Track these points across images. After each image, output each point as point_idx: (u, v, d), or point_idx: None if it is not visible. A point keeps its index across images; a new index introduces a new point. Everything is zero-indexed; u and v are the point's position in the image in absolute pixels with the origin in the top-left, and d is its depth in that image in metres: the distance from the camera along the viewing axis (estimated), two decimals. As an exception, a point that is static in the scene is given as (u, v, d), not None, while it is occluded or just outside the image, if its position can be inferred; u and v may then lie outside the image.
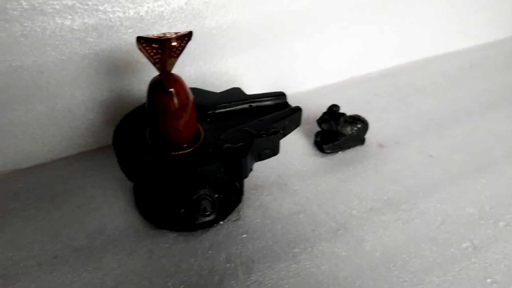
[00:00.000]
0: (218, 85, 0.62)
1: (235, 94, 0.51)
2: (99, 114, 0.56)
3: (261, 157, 0.46)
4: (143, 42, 0.39)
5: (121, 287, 0.41)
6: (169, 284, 0.41)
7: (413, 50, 0.76)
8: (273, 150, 0.46)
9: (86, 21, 0.50)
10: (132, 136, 0.45)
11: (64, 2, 0.48)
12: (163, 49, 0.40)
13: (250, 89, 0.62)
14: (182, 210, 0.45)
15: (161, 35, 0.39)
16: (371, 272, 0.42)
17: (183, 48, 0.41)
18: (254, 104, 0.50)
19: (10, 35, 0.47)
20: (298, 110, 0.49)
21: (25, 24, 0.48)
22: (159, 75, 0.41)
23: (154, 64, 0.41)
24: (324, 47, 0.68)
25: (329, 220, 0.47)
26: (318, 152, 0.56)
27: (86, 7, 0.50)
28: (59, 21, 0.49)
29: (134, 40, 0.53)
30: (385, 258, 0.44)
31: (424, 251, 0.44)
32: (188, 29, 0.56)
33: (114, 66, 0.54)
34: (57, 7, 0.48)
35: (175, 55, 0.42)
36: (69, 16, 0.49)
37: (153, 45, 0.40)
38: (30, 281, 0.41)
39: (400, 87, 0.69)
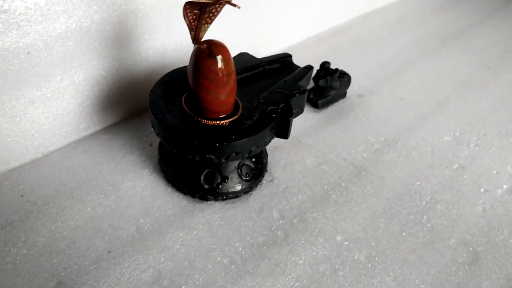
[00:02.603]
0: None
1: (247, 59, 0.51)
2: (90, 96, 0.50)
3: (293, 116, 0.49)
4: (188, 7, 0.38)
5: (196, 263, 0.40)
6: (240, 249, 0.42)
7: (351, 9, 0.83)
8: (301, 108, 0.49)
9: (72, -10, 0.45)
10: (170, 109, 0.43)
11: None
12: (201, 14, 0.39)
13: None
14: (226, 180, 0.45)
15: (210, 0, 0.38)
16: (400, 201, 0.49)
17: (218, 13, 0.41)
18: (267, 67, 0.51)
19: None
20: (311, 68, 0.52)
21: (6, -2, 0.40)
22: (207, 41, 0.40)
23: (191, 30, 0.40)
24: (281, 12, 0.71)
25: (349, 166, 0.53)
26: (312, 108, 0.61)
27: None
28: (42, -8, 0.43)
29: (125, 10, 0.50)
30: (405, 188, 0.51)
31: (429, 176, 0.53)
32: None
33: (105, 41, 0.49)
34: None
35: (209, 21, 0.41)
36: (54, -14, 0.43)
37: (195, 11, 0.39)
38: (93, 281, 0.38)
39: (352, 43, 0.76)
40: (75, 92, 0.49)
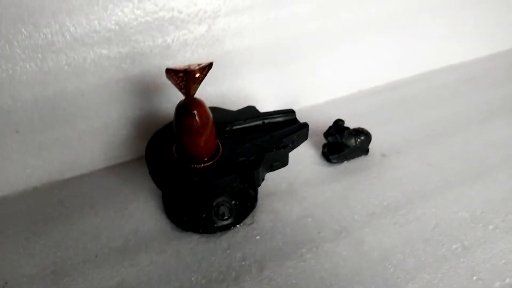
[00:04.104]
0: (236, 101, 0.68)
1: (250, 112, 0.57)
2: (131, 130, 0.63)
3: (272, 168, 0.53)
4: (171, 72, 0.46)
5: (153, 281, 0.48)
6: (192, 279, 0.48)
7: (417, 64, 0.81)
8: (283, 162, 0.53)
9: (120, 50, 0.58)
10: (161, 151, 0.52)
11: (101, 34, 0.56)
12: (187, 77, 0.46)
13: (265, 104, 0.69)
14: (203, 215, 0.52)
15: (186, 67, 0.46)
16: (369, 270, 0.48)
17: (205, 76, 0.48)
18: (266, 121, 0.56)
19: (56, 64, 0.55)
20: (305, 126, 0.55)
21: (69, 54, 0.56)
22: (184, 99, 0.48)
23: (180, 90, 0.48)
24: (333, 63, 0.74)
25: (333, 224, 0.53)
26: (325, 162, 0.62)
27: (121, 38, 0.58)
28: (97, 51, 0.57)
29: (161, 65, 0.61)
30: (382, 257, 0.49)
31: (418, 251, 0.50)
32: (209, 53, 0.64)
33: (144, 88, 0.61)
34: (95, 38, 0.56)
35: (198, 81, 0.48)
36: (106, 46, 0.57)
37: (179, 75, 0.46)
38: (77, 276, 0.49)
39: (405, 100, 0.74)
40: (118, 126, 0.62)
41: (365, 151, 0.62)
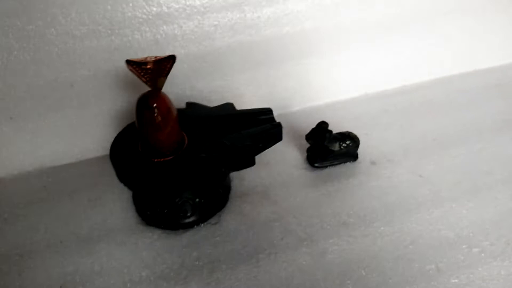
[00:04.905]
0: (227, 99, 0.66)
1: (227, 108, 0.56)
2: (118, 122, 0.64)
3: (238, 167, 0.51)
4: (133, 64, 0.45)
5: (104, 272, 0.48)
6: (143, 274, 0.47)
7: (436, 68, 0.74)
8: (249, 162, 0.50)
9: (109, 43, 0.59)
10: (128, 144, 0.52)
11: (91, 27, 0.58)
12: (152, 69, 0.46)
13: (260, 103, 0.67)
14: (165, 211, 0.51)
15: (143, 59, 0.45)
16: (325, 283, 0.44)
17: (169, 69, 0.47)
18: (242, 118, 0.54)
19: (48, 55, 0.58)
20: (278, 126, 0.52)
21: (60, 45, 0.58)
22: (148, 91, 0.48)
23: (145, 82, 0.47)
24: (337, 64, 0.70)
25: (299, 231, 0.50)
26: (308, 166, 0.59)
27: (109, 31, 0.59)
28: (87, 43, 0.59)
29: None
30: (342, 271, 0.45)
31: (384, 268, 0.45)
32: (199, 49, 0.63)
33: (131, 81, 0.62)
34: (84, 31, 0.58)
35: (164, 74, 0.47)
36: (95, 39, 0.59)
37: (143, 67, 0.46)
38: (38, 259, 0.50)
39: (414, 105, 0.68)
40: (106, 118, 0.64)
41: (354, 157, 0.58)
